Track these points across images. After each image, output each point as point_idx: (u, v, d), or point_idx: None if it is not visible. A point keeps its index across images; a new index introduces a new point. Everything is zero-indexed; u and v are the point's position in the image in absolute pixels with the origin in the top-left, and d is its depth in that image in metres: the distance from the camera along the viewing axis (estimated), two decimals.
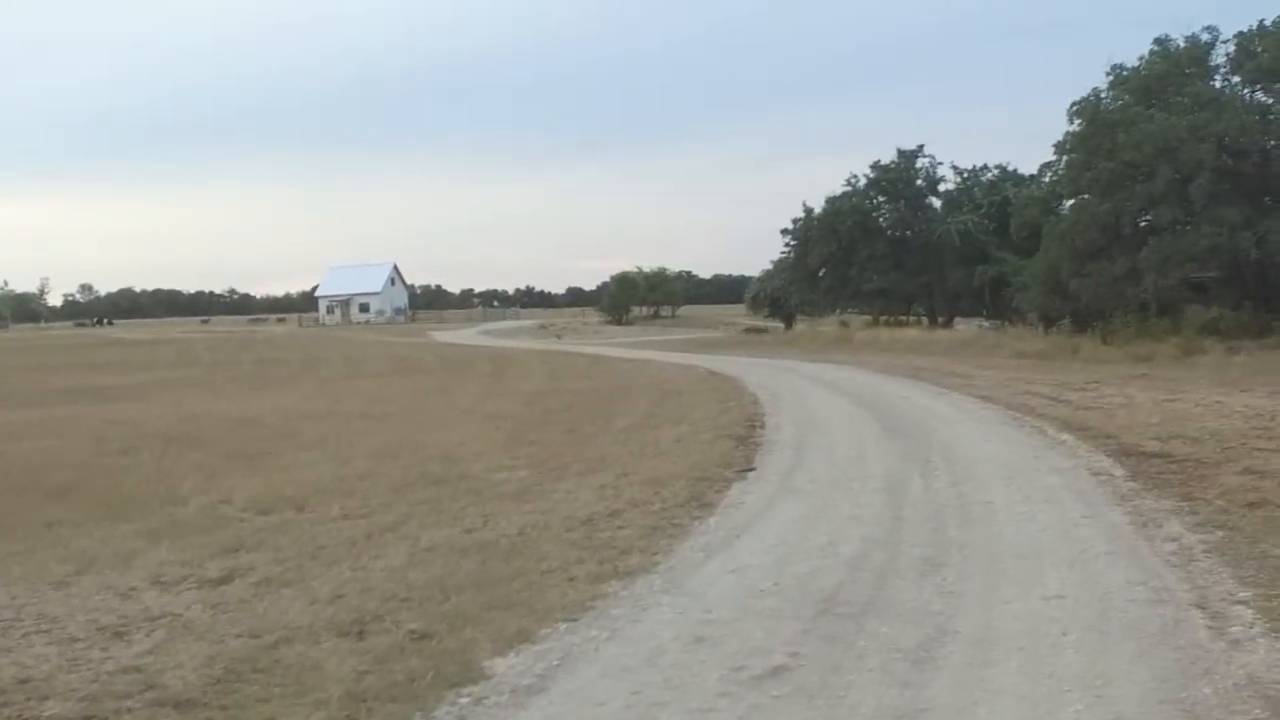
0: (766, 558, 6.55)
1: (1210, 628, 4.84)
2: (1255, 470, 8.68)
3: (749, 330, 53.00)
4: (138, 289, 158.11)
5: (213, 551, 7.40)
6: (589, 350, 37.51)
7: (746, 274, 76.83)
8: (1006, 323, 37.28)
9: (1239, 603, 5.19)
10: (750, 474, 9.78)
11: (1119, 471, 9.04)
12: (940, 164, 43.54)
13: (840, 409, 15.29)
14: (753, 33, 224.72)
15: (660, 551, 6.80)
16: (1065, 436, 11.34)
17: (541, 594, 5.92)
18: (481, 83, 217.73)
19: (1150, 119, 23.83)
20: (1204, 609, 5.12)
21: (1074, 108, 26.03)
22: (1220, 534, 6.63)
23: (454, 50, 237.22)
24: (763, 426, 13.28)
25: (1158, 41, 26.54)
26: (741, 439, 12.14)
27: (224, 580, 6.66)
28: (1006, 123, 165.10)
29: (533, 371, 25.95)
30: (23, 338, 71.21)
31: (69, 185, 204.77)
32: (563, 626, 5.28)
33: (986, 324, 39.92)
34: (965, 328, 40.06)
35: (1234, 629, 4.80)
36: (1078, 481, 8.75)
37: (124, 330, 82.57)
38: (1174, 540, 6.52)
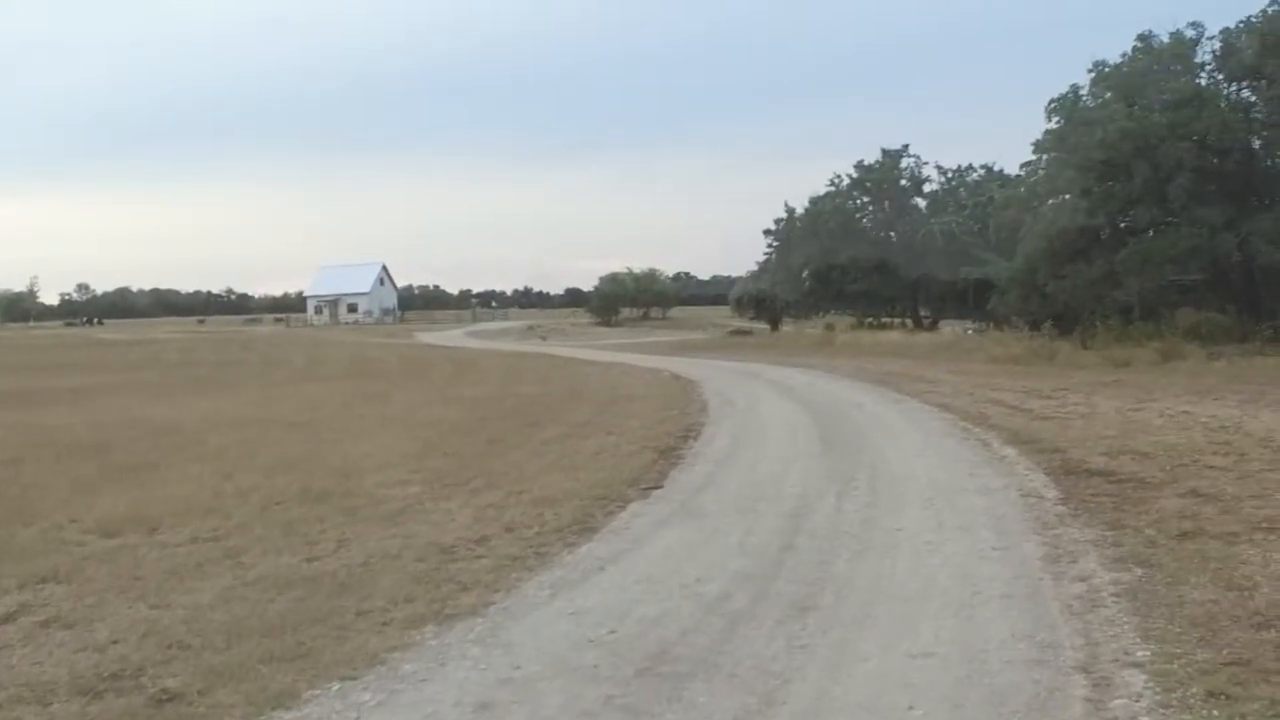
0: (619, 597, 5.74)
1: (1089, 700, 4.02)
2: (1199, 492, 7.87)
3: (734, 332, 52.06)
4: (135, 288, 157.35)
5: (18, 582, 6.57)
6: (563, 353, 36.65)
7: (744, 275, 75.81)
8: (993, 326, 36.41)
9: (1133, 664, 4.37)
10: (655, 492, 8.99)
11: (1051, 493, 8.23)
12: (926, 164, 42.78)
13: (787, 418, 14.47)
14: (753, 33, 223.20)
15: (504, 589, 5.99)
16: (1008, 451, 10.53)
17: (340, 642, 5.11)
18: (481, 83, 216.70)
19: (1129, 116, 22.99)
20: (1089, 673, 4.30)
21: (1052, 105, 25.21)
22: (1139, 572, 5.81)
23: (454, 50, 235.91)
24: (696, 438, 12.48)
25: (1141, 38, 25.80)
26: (667, 451, 11.35)
27: (6, 619, 5.85)
28: (1008, 123, 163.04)
29: (490, 375, 25.10)
30: (2, 337, 70.44)
31: (68, 185, 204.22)
32: (336, 687, 4.48)
33: (972, 327, 39.07)
34: (951, 330, 39.22)
35: (1116, 702, 3.99)
36: (1003, 505, 7.93)
37: (111, 330, 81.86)
38: (1084, 580, 5.69)
